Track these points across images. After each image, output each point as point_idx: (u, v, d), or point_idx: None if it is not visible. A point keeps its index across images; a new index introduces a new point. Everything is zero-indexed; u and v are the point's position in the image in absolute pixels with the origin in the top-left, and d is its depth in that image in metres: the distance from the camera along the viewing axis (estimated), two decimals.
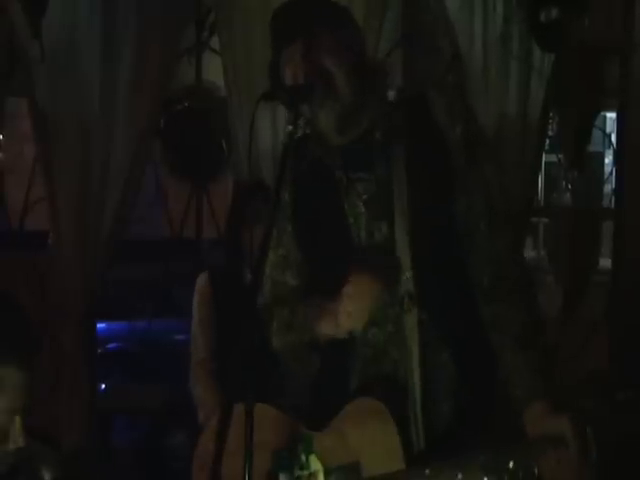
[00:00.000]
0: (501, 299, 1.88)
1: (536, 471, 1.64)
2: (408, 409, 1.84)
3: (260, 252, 1.75)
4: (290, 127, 1.85)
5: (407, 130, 1.91)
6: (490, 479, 1.66)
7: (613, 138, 4.57)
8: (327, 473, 1.84)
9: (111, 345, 4.72)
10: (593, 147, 5.39)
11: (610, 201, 4.68)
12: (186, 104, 5.12)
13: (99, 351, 4.46)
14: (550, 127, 4.50)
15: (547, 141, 4.69)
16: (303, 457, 1.82)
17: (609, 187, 4.90)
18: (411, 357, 1.85)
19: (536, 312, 1.91)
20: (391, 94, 1.98)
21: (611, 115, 5.20)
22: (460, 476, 1.69)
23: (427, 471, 1.73)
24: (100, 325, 4.27)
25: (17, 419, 1.69)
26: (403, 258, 1.87)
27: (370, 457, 1.82)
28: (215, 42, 4.36)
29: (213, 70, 4.61)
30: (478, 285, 1.91)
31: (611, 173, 4.73)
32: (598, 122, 5.03)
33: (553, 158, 5.15)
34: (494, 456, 1.70)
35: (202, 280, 3.23)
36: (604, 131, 5.32)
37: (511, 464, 1.66)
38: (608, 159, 5.83)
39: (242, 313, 1.60)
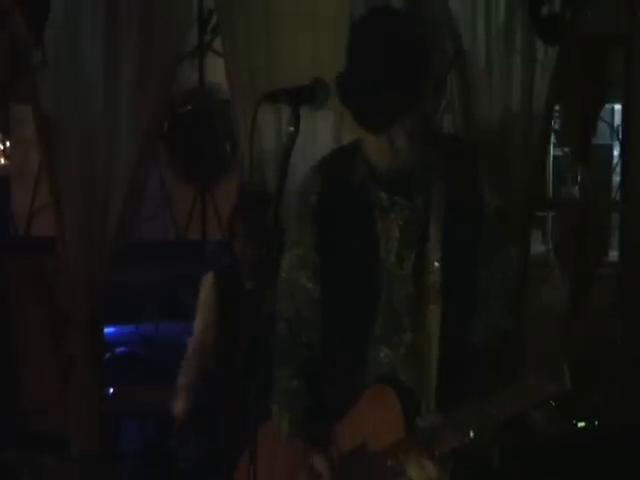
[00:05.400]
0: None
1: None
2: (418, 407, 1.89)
3: (265, 258, 1.77)
4: (291, 128, 1.85)
5: (449, 177, 1.94)
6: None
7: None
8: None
9: (119, 349, 4.72)
10: (601, 139, 5.37)
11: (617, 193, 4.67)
12: (189, 107, 5.12)
13: (107, 355, 4.47)
14: (556, 121, 4.48)
15: (555, 135, 4.68)
16: None
17: (618, 179, 4.88)
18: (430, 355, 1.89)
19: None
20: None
21: (618, 107, 5.17)
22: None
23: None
24: (108, 329, 4.28)
25: None
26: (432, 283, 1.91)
27: (375, 437, 1.90)
28: (218, 44, 4.36)
29: (216, 72, 4.61)
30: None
31: (618, 165, 4.71)
32: (606, 114, 5.00)
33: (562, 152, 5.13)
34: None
35: (207, 280, 3.26)
36: (611, 124, 5.30)
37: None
38: (617, 151, 5.80)
39: (245, 317, 1.61)
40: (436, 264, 1.91)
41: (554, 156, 5.65)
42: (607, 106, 5.08)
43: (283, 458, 2.05)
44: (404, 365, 1.94)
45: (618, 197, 4.58)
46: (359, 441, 1.93)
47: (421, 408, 1.87)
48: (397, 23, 1.89)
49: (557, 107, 4.35)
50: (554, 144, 5.19)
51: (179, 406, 3.16)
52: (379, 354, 1.95)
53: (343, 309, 2.01)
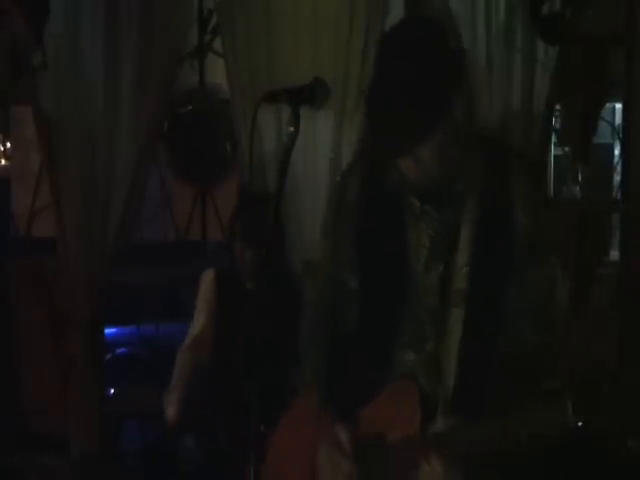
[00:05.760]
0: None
1: None
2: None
3: (265, 259, 1.78)
4: (291, 128, 1.85)
5: (483, 189, 1.92)
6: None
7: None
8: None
9: (119, 350, 4.73)
10: (602, 139, 5.37)
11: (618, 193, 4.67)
12: (190, 107, 5.13)
13: (108, 355, 4.48)
14: (556, 120, 4.48)
15: (555, 134, 4.67)
16: None
17: (618, 178, 4.88)
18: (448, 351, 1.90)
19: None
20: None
21: (619, 106, 5.17)
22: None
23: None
24: (108, 330, 4.28)
25: None
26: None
27: (393, 428, 1.93)
28: (218, 44, 4.36)
29: (217, 72, 4.62)
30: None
31: (619, 164, 4.71)
32: (607, 113, 4.99)
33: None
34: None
35: (208, 276, 3.27)
36: (612, 123, 5.30)
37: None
38: (618, 150, 5.79)
39: (246, 314, 1.63)
40: (463, 270, 1.90)
41: (555, 155, 5.64)
42: (608, 105, 5.07)
43: (306, 438, 2.06)
44: (425, 372, 1.96)
45: (619, 196, 4.57)
46: (379, 430, 1.95)
47: (437, 414, 1.89)
48: (429, 33, 1.84)
49: (558, 106, 4.34)
50: (555, 143, 5.18)
51: (171, 410, 3.14)
52: (405, 357, 1.98)
53: (374, 306, 2.03)
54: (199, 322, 3.30)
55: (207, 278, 3.29)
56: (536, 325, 1.93)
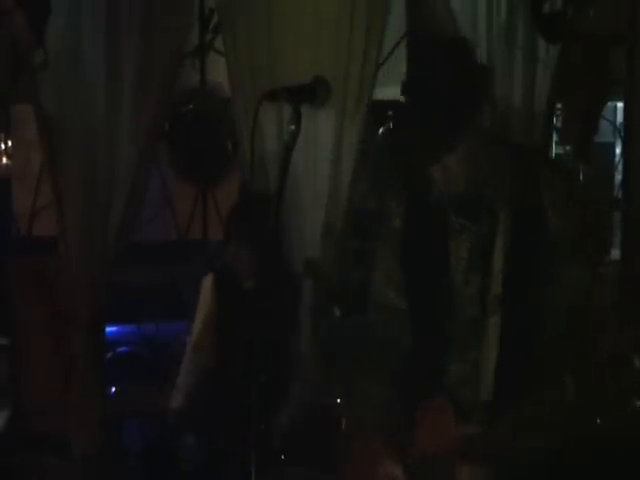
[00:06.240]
0: None
1: None
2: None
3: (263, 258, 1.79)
4: (293, 127, 1.86)
5: (516, 198, 1.95)
6: None
7: None
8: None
9: (120, 348, 4.74)
10: (604, 137, 5.37)
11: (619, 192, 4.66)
12: (191, 106, 5.12)
13: (109, 354, 4.48)
14: (557, 118, 4.48)
15: (556, 133, 4.67)
16: None
17: (620, 177, 4.88)
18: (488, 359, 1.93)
19: None
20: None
21: (621, 105, 5.17)
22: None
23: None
24: (109, 328, 4.29)
25: None
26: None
27: (430, 441, 1.98)
28: (219, 43, 4.36)
29: (218, 71, 4.61)
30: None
31: (620, 163, 4.71)
32: (608, 112, 4.99)
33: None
34: None
35: (207, 281, 3.28)
36: (613, 121, 5.29)
37: None
38: (619, 149, 5.79)
39: (246, 317, 1.64)
40: (498, 276, 1.93)
41: (556, 154, 5.65)
42: (609, 104, 5.07)
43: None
44: (464, 381, 1.99)
45: (620, 195, 4.57)
46: (419, 449, 1.99)
47: (471, 420, 1.93)
48: (455, 53, 1.90)
49: (559, 105, 4.34)
50: (556, 142, 5.18)
51: (174, 403, 3.19)
52: (451, 366, 2.02)
53: (424, 322, 2.07)
54: (196, 327, 3.33)
55: (207, 283, 3.31)
56: (566, 321, 1.95)
